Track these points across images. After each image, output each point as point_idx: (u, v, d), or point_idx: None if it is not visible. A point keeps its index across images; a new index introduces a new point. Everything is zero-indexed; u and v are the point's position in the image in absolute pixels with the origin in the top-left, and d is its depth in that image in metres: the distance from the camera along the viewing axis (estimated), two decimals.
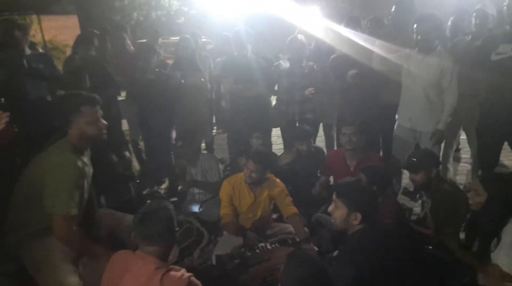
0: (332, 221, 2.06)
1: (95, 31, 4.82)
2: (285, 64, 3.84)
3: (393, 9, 3.62)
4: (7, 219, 1.91)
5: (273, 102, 4.14)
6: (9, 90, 3.01)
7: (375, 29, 3.62)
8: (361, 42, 3.49)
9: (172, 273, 1.65)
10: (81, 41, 3.75)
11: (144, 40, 4.96)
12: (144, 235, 1.69)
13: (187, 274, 1.67)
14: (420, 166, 2.64)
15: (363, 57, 3.40)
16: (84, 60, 3.68)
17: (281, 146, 4.37)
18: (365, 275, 1.77)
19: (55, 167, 1.86)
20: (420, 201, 3.24)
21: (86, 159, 2.06)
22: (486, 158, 3.29)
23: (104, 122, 2.06)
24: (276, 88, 4.02)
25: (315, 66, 3.81)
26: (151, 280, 1.62)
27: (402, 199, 3.58)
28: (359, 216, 1.93)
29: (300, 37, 3.77)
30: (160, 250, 1.70)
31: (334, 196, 2.04)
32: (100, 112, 2.05)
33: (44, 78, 3.24)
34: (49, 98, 3.30)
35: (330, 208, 2.05)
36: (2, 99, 2.90)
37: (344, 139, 3.16)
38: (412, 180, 2.76)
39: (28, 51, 3.28)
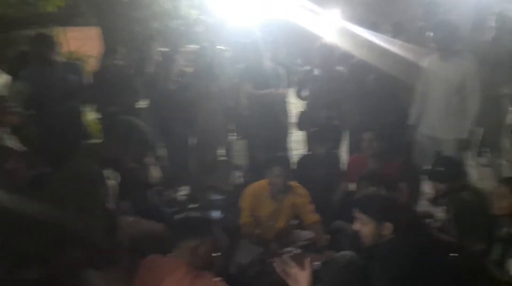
0: (361, 239, 1.96)
1: (121, 42, 4.95)
2: (314, 70, 3.84)
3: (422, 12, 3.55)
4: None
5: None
6: (38, 103, 3.13)
7: (398, 33, 3.58)
8: (381, 46, 3.46)
9: (202, 277, 1.67)
10: (107, 52, 3.86)
11: (166, 49, 5.03)
12: (178, 239, 1.74)
13: (217, 279, 1.70)
14: (446, 176, 2.55)
15: (383, 62, 3.37)
16: (109, 71, 3.78)
17: (301, 152, 4.35)
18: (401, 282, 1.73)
19: (81, 177, 1.91)
20: (444, 207, 3.16)
21: (109, 170, 2.10)
22: None
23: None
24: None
25: (344, 70, 3.79)
26: (181, 280, 1.64)
27: (424, 205, 3.51)
28: (389, 226, 1.85)
29: (329, 42, 3.77)
30: (191, 255, 1.72)
31: (356, 213, 1.94)
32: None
33: (74, 91, 3.35)
34: (78, 109, 3.41)
35: (356, 226, 1.95)
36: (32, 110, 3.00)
37: (364, 145, 3.13)
38: (435, 189, 2.66)
39: (60, 60, 3.38)
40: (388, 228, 1.86)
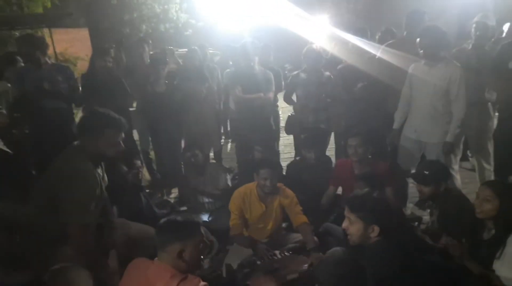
0: (348, 237, 2.00)
1: (111, 44, 4.91)
2: (301, 74, 3.89)
3: (404, 20, 3.63)
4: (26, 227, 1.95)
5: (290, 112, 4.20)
6: (26, 104, 3.10)
7: (388, 39, 3.66)
8: (368, 52, 3.53)
9: (188, 281, 1.68)
10: (98, 54, 3.84)
11: (153, 52, 5.03)
12: (162, 244, 1.74)
13: (203, 283, 1.70)
14: (430, 179, 2.60)
15: (370, 67, 3.44)
16: (101, 72, 3.77)
17: (289, 155, 4.40)
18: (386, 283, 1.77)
19: (72, 176, 1.91)
20: (429, 210, 3.23)
21: (100, 170, 2.11)
22: (504, 166, 3.25)
23: (123, 146, 2.10)
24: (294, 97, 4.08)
25: (332, 76, 3.86)
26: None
27: (411, 208, 3.58)
28: (376, 228, 1.89)
29: (316, 46, 3.83)
30: (176, 259, 1.73)
31: (346, 212, 1.98)
32: (122, 136, 2.09)
33: (62, 93, 3.33)
34: (65, 110, 3.39)
35: (344, 224, 1.99)
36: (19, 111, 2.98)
37: (350, 150, 3.17)
38: (420, 191, 2.71)
39: (48, 62, 3.36)
40: (375, 230, 1.90)
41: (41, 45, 3.23)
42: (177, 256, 1.71)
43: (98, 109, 2.09)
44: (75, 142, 2.06)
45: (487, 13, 3.49)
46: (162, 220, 1.83)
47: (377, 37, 4.39)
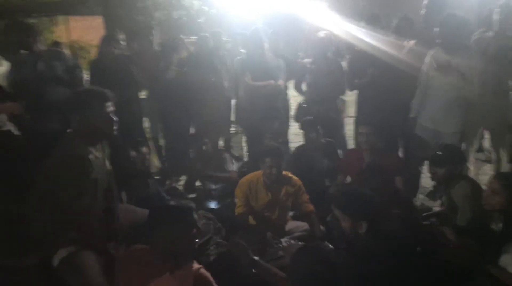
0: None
1: (121, 32, 4.91)
2: (310, 62, 3.83)
3: (424, 7, 3.50)
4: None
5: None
6: (25, 92, 3.12)
7: (406, 27, 3.54)
8: (381, 39, 3.45)
9: (183, 266, 1.69)
10: (106, 40, 3.84)
11: (167, 39, 5.01)
12: (155, 229, 1.74)
13: (197, 266, 1.71)
14: (445, 161, 2.54)
15: (383, 54, 3.35)
16: (109, 58, 3.77)
17: (299, 145, 4.36)
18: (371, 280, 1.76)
19: (64, 159, 1.92)
20: (440, 201, 3.17)
21: (98, 152, 2.10)
22: None
23: (114, 117, 2.10)
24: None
25: (342, 63, 3.78)
26: (162, 272, 1.66)
27: (421, 199, 3.52)
28: (364, 225, 1.90)
29: (326, 34, 3.75)
30: (169, 244, 1.73)
31: (334, 209, 2.01)
32: (111, 108, 2.09)
33: (60, 78, 3.33)
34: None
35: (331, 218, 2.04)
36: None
37: (362, 138, 3.13)
38: (433, 174, 2.65)
39: (43, 48, 3.36)
40: (363, 226, 1.90)
41: (32, 33, 3.23)
42: (170, 242, 1.71)
43: (82, 87, 2.11)
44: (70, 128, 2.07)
45: None
46: (154, 206, 1.83)
47: (393, 24, 4.23)
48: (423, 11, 3.43)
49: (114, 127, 2.11)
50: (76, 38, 13.22)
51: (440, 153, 2.60)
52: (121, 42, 3.85)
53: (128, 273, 1.74)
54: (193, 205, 1.86)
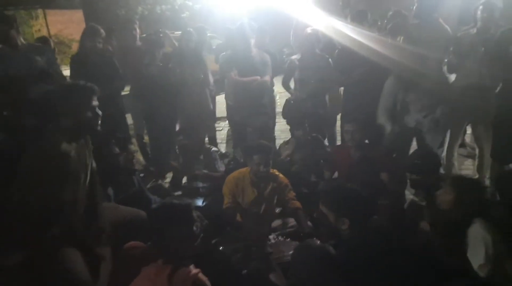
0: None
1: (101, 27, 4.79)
2: (298, 59, 3.81)
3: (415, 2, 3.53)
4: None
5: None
6: (8, 87, 3.00)
7: (399, 23, 3.57)
8: (368, 36, 3.46)
9: (180, 268, 1.66)
10: (88, 34, 3.73)
11: (148, 34, 4.91)
12: (156, 228, 1.71)
13: (195, 271, 1.68)
14: (422, 169, 2.61)
15: (369, 51, 3.37)
16: (91, 53, 3.67)
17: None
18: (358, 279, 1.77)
19: (42, 155, 1.86)
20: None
21: (81, 148, 2.05)
22: (503, 152, 3.23)
23: (99, 112, 2.05)
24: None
25: (330, 60, 3.78)
26: (159, 274, 1.63)
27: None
28: (346, 221, 1.92)
29: (314, 30, 3.73)
30: (169, 243, 1.70)
31: (320, 204, 2.04)
32: (96, 102, 2.04)
33: (43, 73, 3.22)
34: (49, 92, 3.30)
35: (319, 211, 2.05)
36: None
37: (347, 136, 3.15)
38: (411, 180, 2.72)
39: (23, 42, 3.24)
40: (345, 223, 1.92)
41: (14, 24, 3.10)
42: (170, 240, 1.69)
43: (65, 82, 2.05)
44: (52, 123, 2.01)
45: None
46: (155, 205, 1.81)
47: (384, 21, 4.24)
48: (414, 7, 3.46)
49: (99, 122, 2.05)
50: (55, 32, 12.90)
51: (418, 161, 2.66)
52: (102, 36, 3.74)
53: (121, 271, 1.71)
54: (191, 202, 1.83)
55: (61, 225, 1.88)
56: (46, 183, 1.81)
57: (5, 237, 1.95)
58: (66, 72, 4.07)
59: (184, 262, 1.72)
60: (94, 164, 2.18)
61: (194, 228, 1.81)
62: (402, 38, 3.36)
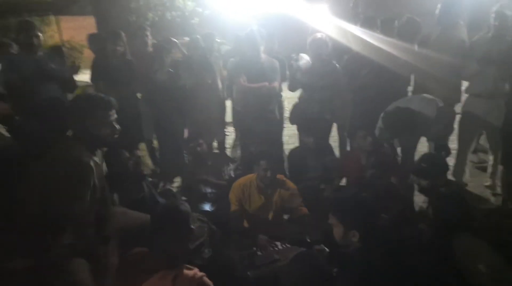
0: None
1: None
2: (306, 63, 3.81)
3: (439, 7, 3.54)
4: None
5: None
6: (21, 92, 3.08)
7: (410, 30, 3.59)
8: (377, 42, 3.46)
9: (185, 272, 1.66)
10: (110, 37, 3.81)
11: (157, 40, 4.97)
12: (156, 231, 1.72)
13: (200, 274, 1.68)
14: (429, 173, 2.58)
15: (379, 56, 3.36)
16: (113, 56, 3.74)
17: (293, 146, 4.35)
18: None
19: (63, 164, 1.87)
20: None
21: (97, 158, 2.07)
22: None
23: (117, 126, 2.05)
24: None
25: (337, 65, 3.77)
26: (163, 278, 1.63)
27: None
28: (356, 234, 1.87)
29: (321, 35, 3.74)
30: (173, 249, 1.70)
31: (330, 214, 1.99)
32: (114, 116, 2.04)
33: (56, 80, 3.31)
34: (60, 98, 3.38)
35: (330, 221, 2.00)
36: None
37: (360, 140, 3.14)
38: (418, 185, 2.69)
39: (40, 45, 3.35)
40: (355, 236, 1.87)
41: (37, 31, 3.22)
42: (174, 247, 1.69)
43: (85, 92, 2.07)
44: (69, 132, 2.02)
45: (505, 2, 3.37)
46: (151, 208, 1.81)
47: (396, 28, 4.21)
48: (437, 12, 3.47)
49: (115, 136, 2.06)
50: (68, 38, 13.11)
51: (424, 165, 2.63)
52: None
53: (127, 277, 1.72)
54: (188, 207, 1.82)
55: (72, 233, 1.90)
56: (63, 191, 1.82)
57: (13, 241, 1.98)
58: (83, 76, 4.19)
59: (187, 266, 1.71)
60: (105, 169, 2.19)
61: (190, 233, 1.80)
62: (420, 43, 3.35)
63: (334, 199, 2.07)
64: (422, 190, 2.67)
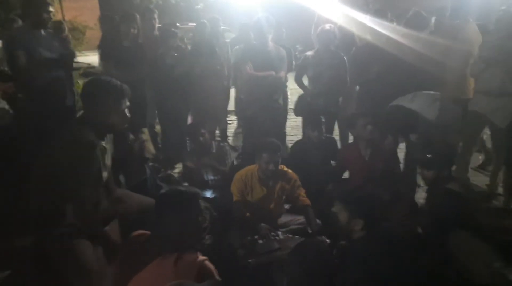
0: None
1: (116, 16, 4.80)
2: (312, 55, 3.77)
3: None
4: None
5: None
6: (26, 71, 3.02)
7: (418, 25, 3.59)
8: (388, 34, 3.43)
9: (187, 255, 1.65)
10: (124, 19, 3.74)
11: (162, 24, 4.91)
12: (161, 215, 1.71)
13: (202, 258, 1.68)
14: (434, 164, 2.58)
15: (389, 50, 3.33)
16: (125, 38, 3.70)
17: (296, 138, 4.34)
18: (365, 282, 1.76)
19: (72, 147, 1.84)
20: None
21: (105, 143, 2.04)
22: None
23: (128, 115, 2.01)
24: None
25: (345, 57, 3.74)
26: (165, 261, 1.63)
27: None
28: (360, 222, 1.91)
29: (330, 26, 3.69)
30: (174, 231, 1.70)
31: (336, 200, 2.05)
32: (127, 104, 2.00)
33: (60, 59, 3.26)
34: (65, 79, 3.34)
35: (334, 209, 2.06)
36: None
37: (360, 129, 3.12)
38: (421, 175, 2.70)
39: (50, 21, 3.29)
40: (358, 224, 1.90)
41: (47, 6, 3.14)
42: (176, 228, 1.68)
43: (99, 77, 2.02)
44: (79, 114, 1.99)
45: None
46: (161, 191, 1.80)
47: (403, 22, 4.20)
48: (449, 6, 3.46)
49: (126, 125, 2.03)
50: (70, 19, 12.95)
51: (430, 156, 2.63)
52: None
53: (129, 259, 1.71)
54: (199, 191, 1.81)
55: (75, 216, 1.89)
56: (71, 173, 1.80)
57: (18, 218, 1.97)
58: (85, 58, 4.12)
59: (189, 250, 1.71)
60: (112, 150, 2.18)
61: (199, 217, 1.80)
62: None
63: (344, 187, 2.10)
64: (426, 182, 2.68)
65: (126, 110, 2.00)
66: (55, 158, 1.83)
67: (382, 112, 3.16)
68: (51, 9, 3.15)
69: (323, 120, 3.42)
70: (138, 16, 3.76)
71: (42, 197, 1.84)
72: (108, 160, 2.09)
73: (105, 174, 2.03)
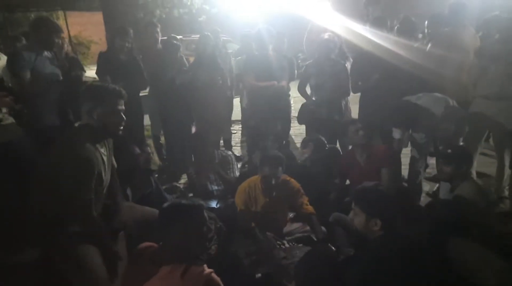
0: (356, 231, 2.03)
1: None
2: (313, 64, 3.81)
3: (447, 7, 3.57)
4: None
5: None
6: (25, 87, 3.07)
7: (407, 29, 3.64)
8: (387, 42, 3.46)
9: (193, 268, 1.66)
10: (118, 33, 3.82)
11: (166, 37, 4.99)
12: (166, 227, 1.72)
13: (208, 270, 1.69)
14: (453, 159, 2.60)
15: (389, 57, 3.36)
16: (120, 51, 3.77)
17: (299, 145, 4.35)
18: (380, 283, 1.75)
19: (68, 155, 1.88)
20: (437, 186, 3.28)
21: (103, 149, 2.08)
22: None
23: (123, 116, 2.06)
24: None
25: (347, 65, 3.77)
26: (172, 273, 1.64)
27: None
28: (378, 222, 1.89)
29: (329, 35, 3.74)
30: (180, 242, 1.71)
31: (353, 203, 2.02)
32: (123, 106, 2.06)
33: (65, 78, 3.32)
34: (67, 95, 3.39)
35: (350, 215, 2.03)
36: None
37: (353, 135, 3.14)
38: (440, 171, 2.72)
39: (64, 47, 3.37)
40: (377, 224, 1.89)
41: (57, 29, 3.20)
42: (181, 240, 1.70)
43: (96, 82, 2.08)
44: (77, 123, 2.04)
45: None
46: (165, 204, 1.82)
47: (395, 27, 4.26)
48: (447, 12, 3.48)
49: (121, 127, 2.08)
50: (75, 34, 13.18)
51: (449, 151, 2.67)
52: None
53: (136, 271, 1.73)
54: (203, 203, 1.83)
55: (80, 223, 1.92)
56: (68, 182, 1.83)
57: (22, 233, 2.00)
58: (90, 72, 4.19)
59: (196, 262, 1.72)
60: (115, 164, 2.21)
61: (205, 228, 1.81)
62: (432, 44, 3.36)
63: (358, 188, 2.09)
64: (443, 178, 2.70)
65: (122, 112, 2.06)
66: (53, 168, 1.87)
67: (390, 105, 3.17)
68: (62, 35, 3.23)
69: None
70: (131, 31, 3.82)
71: (45, 205, 1.87)
72: (111, 170, 2.12)
73: (107, 184, 2.06)
